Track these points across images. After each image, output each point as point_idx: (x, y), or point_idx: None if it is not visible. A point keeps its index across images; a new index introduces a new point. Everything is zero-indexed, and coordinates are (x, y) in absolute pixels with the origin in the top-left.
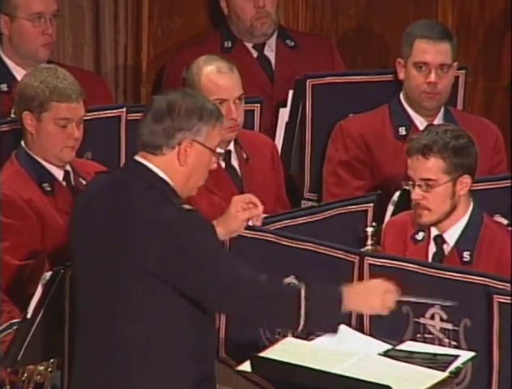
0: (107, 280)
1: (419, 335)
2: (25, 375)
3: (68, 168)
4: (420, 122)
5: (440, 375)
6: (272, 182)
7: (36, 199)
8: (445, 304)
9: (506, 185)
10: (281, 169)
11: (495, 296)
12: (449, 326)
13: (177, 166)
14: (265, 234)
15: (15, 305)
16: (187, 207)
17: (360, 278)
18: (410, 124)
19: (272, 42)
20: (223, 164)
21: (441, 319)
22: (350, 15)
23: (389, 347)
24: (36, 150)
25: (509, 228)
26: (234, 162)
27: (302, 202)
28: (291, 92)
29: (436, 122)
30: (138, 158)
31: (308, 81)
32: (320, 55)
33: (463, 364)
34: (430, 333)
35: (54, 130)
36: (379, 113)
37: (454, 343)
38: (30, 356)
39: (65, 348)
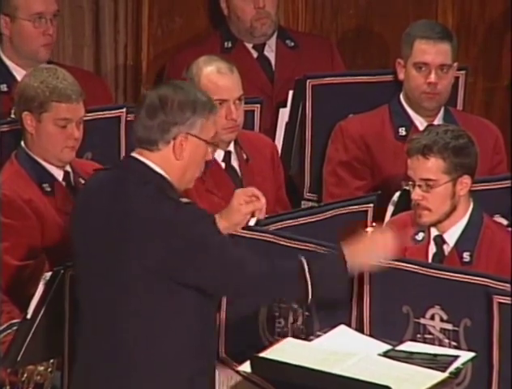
0: (107, 278)
1: (419, 336)
2: (25, 375)
3: (68, 168)
4: (420, 123)
5: (440, 376)
6: (272, 183)
7: (36, 200)
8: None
9: (506, 185)
10: (281, 170)
11: (495, 296)
12: (449, 326)
13: (173, 160)
14: (264, 234)
15: (15, 306)
16: (184, 200)
17: (360, 278)
18: (410, 124)
19: (272, 42)
20: (223, 165)
21: (441, 320)
22: (350, 16)
23: (389, 347)
24: (36, 150)
25: (509, 229)
26: (234, 162)
27: (302, 202)
28: (291, 93)
29: (436, 123)
30: (134, 154)
31: (308, 81)
32: (320, 55)
33: (463, 364)
34: (430, 333)
35: (54, 130)
36: (379, 113)
37: (454, 343)
38: (30, 357)
39: (65, 348)
